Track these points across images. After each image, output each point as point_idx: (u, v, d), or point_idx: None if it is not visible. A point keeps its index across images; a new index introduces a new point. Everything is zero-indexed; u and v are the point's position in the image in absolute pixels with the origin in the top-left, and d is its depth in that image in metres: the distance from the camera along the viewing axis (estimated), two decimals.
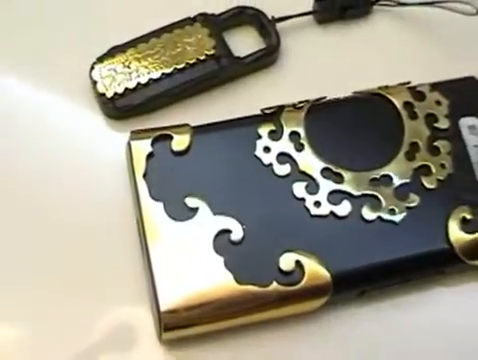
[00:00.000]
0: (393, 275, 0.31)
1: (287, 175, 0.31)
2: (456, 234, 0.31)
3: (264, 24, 0.36)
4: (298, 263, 0.30)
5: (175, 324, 0.29)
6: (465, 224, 0.31)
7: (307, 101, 0.33)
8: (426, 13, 0.37)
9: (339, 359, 0.31)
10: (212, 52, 0.34)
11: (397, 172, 0.32)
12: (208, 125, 0.32)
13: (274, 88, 0.35)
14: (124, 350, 0.30)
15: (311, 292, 0.30)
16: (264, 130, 0.32)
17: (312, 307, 0.30)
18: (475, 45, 0.37)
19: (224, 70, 0.34)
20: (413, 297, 0.32)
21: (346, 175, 0.32)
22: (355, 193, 0.31)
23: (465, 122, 0.34)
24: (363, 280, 0.30)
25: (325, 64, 0.36)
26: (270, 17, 0.36)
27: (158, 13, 0.36)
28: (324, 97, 0.34)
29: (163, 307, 0.29)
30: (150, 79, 0.33)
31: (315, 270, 0.30)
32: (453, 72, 0.35)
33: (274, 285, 0.29)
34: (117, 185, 0.33)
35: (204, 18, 0.35)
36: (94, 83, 0.34)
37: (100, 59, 0.34)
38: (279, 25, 0.36)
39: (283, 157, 0.32)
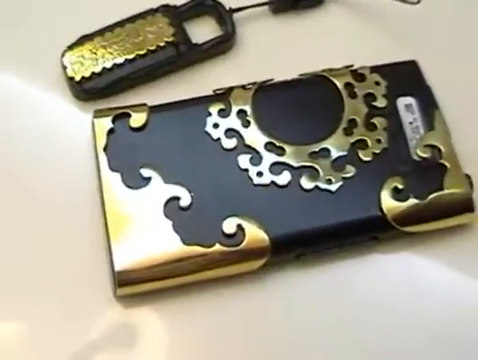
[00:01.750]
0: (329, 240, 0.34)
1: (233, 148, 0.35)
2: (388, 202, 0.34)
3: (222, 14, 0.39)
4: (239, 227, 0.33)
5: (127, 281, 0.32)
6: (397, 193, 0.34)
7: (255, 83, 0.36)
8: (375, 3, 0.41)
9: (278, 316, 0.33)
10: (171, 39, 0.37)
11: (335, 146, 0.35)
12: (164, 104, 0.36)
13: (229, 73, 0.38)
14: (83, 306, 0.33)
15: (251, 253, 0.33)
16: (214, 108, 0.35)
17: (252, 267, 0.33)
18: (418, 32, 0.40)
19: (182, 56, 0.37)
20: (349, 262, 0.34)
21: (288, 148, 0.35)
22: (295, 165, 0.34)
23: (402, 101, 0.36)
24: (300, 243, 0.33)
25: (278, 51, 0.39)
26: (228, 8, 0.39)
27: (125, 5, 0.39)
28: (272, 79, 0.37)
29: (117, 266, 0.32)
30: (114, 64, 0.37)
31: (255, 233, 0.33)
32: (398, 57, 0.38)
33: (217, 246, 0.33)
34: (84, 159, 0.36)
35: (166, 9, 0.38)
36: (64, 68, 0.37)
37: (70, 47, 0.37)
38: (236, 15, 0.39)
39: (230, 132, 0.35)
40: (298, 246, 0.33)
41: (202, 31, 0.39)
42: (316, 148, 0.35)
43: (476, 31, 0.40)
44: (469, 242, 0.35)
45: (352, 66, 0.37)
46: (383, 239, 0.34)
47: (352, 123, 0.36)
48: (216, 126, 0.35)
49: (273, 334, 0.33)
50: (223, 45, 0.38)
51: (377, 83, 0.36)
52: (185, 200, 0.33)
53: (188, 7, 0.39)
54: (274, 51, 0.39)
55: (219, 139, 0.35)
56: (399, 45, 0.40)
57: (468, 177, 0.35)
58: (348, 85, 0.36)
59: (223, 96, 0.36)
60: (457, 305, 0.34)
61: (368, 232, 0.34)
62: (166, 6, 0.38)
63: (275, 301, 0.34)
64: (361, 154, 0.35)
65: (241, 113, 0.35)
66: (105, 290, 0.33)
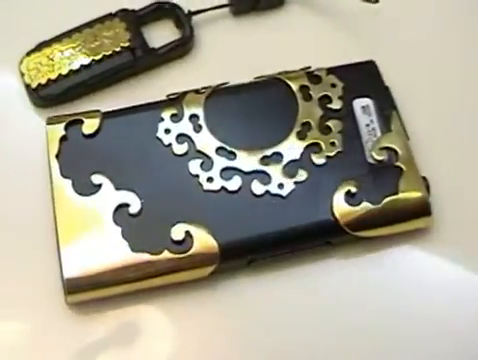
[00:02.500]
0: (280, 245, 0.33)
1: (185, 154, 0.34)
2: (341, 207, 0.33)
3: (180, 17, 0.39)
4: (188, 233, 0.33)
5: (77, 288, 0.32)
6: (350, 197, 0.33)
7: (209, 87, 0.36)
8: (336, 3, 0.40)
9: (229, 323, 0.33)
10: (127, 44, 0.37)
11: (288, 150, 0.34)
12: (116, 110, 0.35)
13: (187, 77, 0.38)
14: (34, 313, 0.33)
15: (199, 260, 0.32)
16: (166, 114, 0.35)
17: (201, 274, 0.33)
18: (380, 32, 0.39)
19: (139, 61, 0.37)
20: (302, 267, 0.34)
21: (239, 153, 0.34)
22: (246, 169, 0.34)
23: (359, 103, 0.36)
24: (250, 250, 0.33)
25: (238, 54, 0.39)
26: (186, 11, 0.39)
27: (86, 9, 0.39)
28: (226, 82, 0.36)
29: (66, 273, 0.32)
30: (70, 70, 0.37)
31: (204, 240, 0.32)
32: (359, 58, 0.38)
33: (165, 253, 0.32)
34: (39, 166, 0.36)
35: (124, 13, 0.38)
36: (22, 75, 0.37)
37: (28, 53, 0.37)
38: (196, 18, 0.39)
39: (182, 137, 0.35)
40: (248, 252, 0.33)
41: (161, 35, 0.39)
42: (268, 152, 0.34)
43: (437, 31, 0.40)
44: (426, 246, 0.35)
45: (309, 68, 0.37)
46: (337, 244, 0.34)
47: (306, 126, 0.35)
48: (168, 131, 0.35)
49: (224, 341, 0.33)
50: (181, 49, 0.38)
51: (333, 85, 0.36)
52: (135, 207, 0.33)
53: (147, 11, 0.39)
54: (234, 54, 0.39)
55: (170, 145, 0.34)
56: (360, 45, 0.39)
57: (425, 180, 0.34)
58: (303, 87, 0.36)
59: (176, 101, 0.35)
60: (411, 310, 0.33)
61: (320, 237, 0.33)
62: (124, 10, 0.38)
63: (226, 308, 0.33)
64: (314, 158, 0.34)
65: (193, 118, 0.35)
66: (58, 297, 0.33)
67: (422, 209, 0.34)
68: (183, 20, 0.38)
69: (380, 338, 0.33)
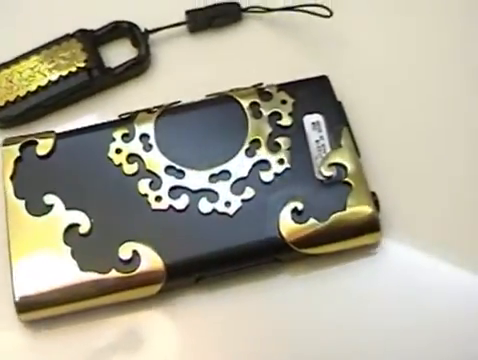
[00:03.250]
0: (227, 263, 0.33)
1: (134, 173, 0.35)
2: (287, 224, 0.33)
3: (136, 36, 0.39)
4: (135, 252, 0.33)
5: (28, 307, 0.33)
6: (297, 214, 0.34)
7: (161, 106, 0.36)
8: (291, 17, 0.40)
9: (178, 340, 0.33)
10: (83, 65, 0.38)
11: (236, 167, 0.35)
12: (70, 131, 0.36)
13: (144, 95, 0.38)
14: None
15: (146, 279, 0.33)
16: (118, 134, 0.35)
17: (149, 293, 0.33)
18: (335, 46, 0.39)
19: (95, 81, 0.38)
20: (250, 284, 0.34)
21: (188, 171, 0.35)
22: (194, 188, 0.34)
23: (309, 119, 0.36)
24: (197, 268, 0.33)
25: (195, 71, 0.39)
26: (143, 29, 0.40)
27: (44, 31, 0.39)
28: (178, 101, 0.37)
29: (17, 292, 0.33)
30: (28, 92, 0.37)
31: (150, 259, 0.33)
32: (315, 71, 0.38)
33: (113, 272, 0.33)
34: None
35: (81, 34, 0.39)
36: None
37: None
38: (154, 36, 0.40)
39: (132, 157, 0.35)
40: (195, 270, 0.33)
41: (119, 54, 0.39)
42: (217, 170, 0.35)
43: (391, 46, 0.39)
44: (375, 262, 0.34)
45: (261, 84, 0.37)
46: (285, 261, 0.34)
47: (255, 144, 0.35)
48: (119, 151, 0.35)
49: (173, 358, 0.33)
50: (137, 68, 0.38)
51: (284, 101, 0.36)
52: (85, 227, 0.34)
53: (105, 31, 0.39)
54: (190, 71, 0.39)
55: (121, 164, 0.35)
56: (316, 60, 0.39)
57: (374, 195, 0.34)
58: (254, 105, 0.36)
59: (128, 121, 0.36)
60: (361, 326, 0.33)
61: (267, 255, 0.34)
62: (82, 31, 0.39)
63: (175, 324, 0.34)
64: (262, 175, 0.34)
65: (144, 137, 0.35)
66: (13, 314, 0.34)
67: (370, 225, 0.34)
68: (139, 39, 0.39)
69: (330, 354, 0.33)
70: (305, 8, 0.39)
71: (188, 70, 0.39)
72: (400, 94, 0.38)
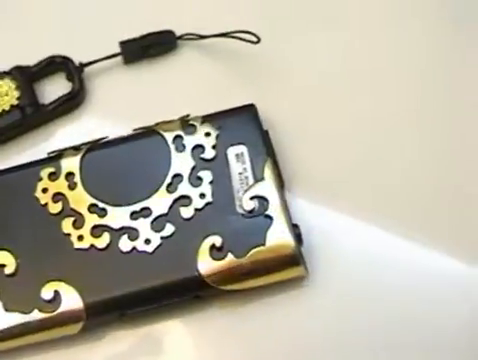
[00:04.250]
0: (147, 301, 0.33)
1: (59, 212, 0.35)
2: (205, 261, 0.33)
3: (71, 70, 0.39)
4: (57, 292, 0.33)
5: None
6: (215, 251, 0.33)
7: (88, 143, 0.36)
8: (226, 44, 0.39)
9: None
10: (16, 102, 0.38)
11: (157, 204, 0.34)
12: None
13: (77, 131, 0.38)
14: None
15: (67, 318, 0.33)
16: (45, 172, 0.36)
17: (71, 331, 0.33)
18: (269, 72, 0.39)
19: (28, 118, 0.38)
20: (174, 320, 0.34)
21: (110, 209, 0.35)
22: (115, 226, 0.34)
23: (233, 151, 0.35)
24: (118, 306, 0.33)
25: (129, 104, 0.39)
26: (78, 63, 0.40)
27: None
28: (106, 137, 0.37)
29: None
30: None
31: (71, 298, 0.33)
32: (248, 99, 0.37)
33: (35, 312, 0.33)
34: None
35: (17, 71, 0.39)
36: None
37: None
38: (89, 69, 0.40)
39: (58, 196, 0.35)
40: (115, 309, 0.33)
41: (55, 90, 0.39)
42: (138, 207, 0.35)
43: (325, 75, 0.38)
44: (301, 295, 0.34)
45: (188, 116, 0.37)
46: (207, 297, 0.34)
47: (177, 179, 0.35)
48: (45, 191, 0.35)
49: None
50: (71, 103, 0.38)
51: (207, 134, 0.36)
52: (10, 267, 0.34)
53: (41, 66, 0.39)
54: (125, 104, 0.39)
55: (46, 204, 0.35)
56: (250, 86, 0.39)
57: (296, 228, 0.34)
58: (178, 138, 0.36)
59: (55, 159, 0.36)
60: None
61: (188, 292, 0.33)
62: (18, 68, 0.39)
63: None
64: (182, 211, 0.34)
65: (69, 175, 0.35)
66: None
67: (291, 259, 0.33)
68: (73, 73, 0.39)
69: None
70: (236, 34, 0.39)
71: (123, 103, 0.39)
72: (330, 121, 0.37)
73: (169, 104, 0.39)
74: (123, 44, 0.40)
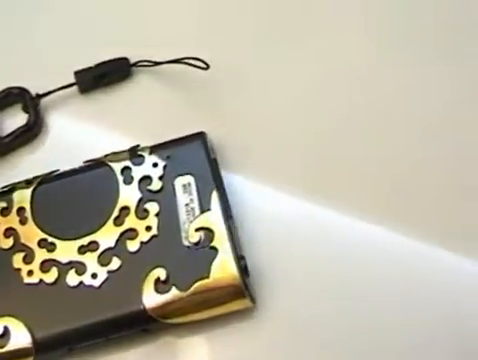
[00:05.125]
0: (95, 335, 0.33)
1: (10, 248, 0.35)
2: (150, 295, 0.33)
3: (27, 101, 0.39)
4: (6, 328, 0.34)
5: None
6: (160, 284, 0.33)
7: (39, 176, 0.37)
8: (181, 70, 0.39)
9: None
10: None
11: (104, 238, 0.34)
12: None
13: (34, 164, 0.38)
14: None
15: (16, 354, 0.33)
16: None
17: None
18: (220, 96, 0.38)
19: None
20: (122, 353, 0.34)
21: (59, 244, 0.35)
22: (63, 261, 0.34)
23: (180, 181, 0.35)
24: (65, 341, 0.33)
25: (85, 134, 0.39)
26: (34, 94, 0.40)
27: None
28: (57, 170, 0.37)
29: None
30: None
31: (20, 334, 0.33)
32: (202, 125, 0.37)
33: None
34: None
35: None
36: None
37: None
38: (46, 100, 0.40)
39: (9, 231, 0.36)
40: (63, 344, 0.33)
41: (13, 122, 0.40)
42: (85, 242, 0.35)
43: (282, 101, 0.38)
44: (249, 327, 0.33)
45: (138, 146, 0.36)
46: (154, 330, 0.34)
47: (124, 211, 0.35)
48: None
49: None
50: (27, 135, 0.39)
51: (155, 164, 0.35)
52: None
53: None
54: (81, 135, 0.39)
55: None
56: (206, 112, 0.38)
57: (243, 259, 0.33)
58: (126, 169, 0.36)
59: (7, 194, 0.36)
60: None
61: (134, 326, 0.33)
62: None
63: None
64: (129, 244, 0.34)
65: (21, 210, 0.36)
66: None
67: (235, 291, 0.33)
68: (29, 104, 0.39)
69: None
70: (188, 61, 0.38)
71: (79, 133, 0.39)
72: (285, 151, 0.37)
73: (124, 133, 0.38)
74: (78, 74, 0.40)
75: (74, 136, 0.39)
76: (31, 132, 0.39)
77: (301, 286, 0.34)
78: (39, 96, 0.40)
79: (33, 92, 0.40)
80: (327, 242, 0.34)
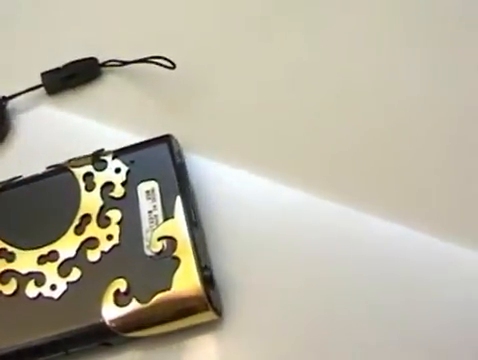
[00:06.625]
0: (54, 349, 0.32)
1: None
2: (109, 308, 0.31)
3: None
4: None
5: None
6: (118, 297, 0.31)
7: (1, 182, 0.35)
8: (149, 69, 0.37)
9: None
10: None
11: (64, 247, 0.33)
12: None
13: (1, 168, 0.37)
14: None
15: None
16: None
17: None
18: (188, 96, 0.37)
19: None
20: None
21: (18, 254, 0.33)
22: (23, 271, 0.33)
23: (143, 187, 0.33)
24: (24, 355, 0.32)
25: (52, 137, 0.38)
26: (0, 97, 0.39)
27: None
28: (20, 176, 0.35)
29: None
30: None
31: None
32: (171, 126, 0.35)
33: None
34: None
35: None
36: None
37: None
38: (13, 102, 0.39)
39: None
40: (22, 357, 0.32)
41: None
42: (45, 251, 0.33)
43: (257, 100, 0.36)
44: (217, 339, 0.32)
45: (101, 151, 0.35)
46: (116, 344, 0.32)
47: (85, 219, 0.33)
48: None
49: None
50: None
51: (117, 170, 0.34)
52: None
53: None
54: (48, 138, 0.38)
55: None
56: (175, 113, 0.37)
57: (207, 269, 0.32)
58: (88, 175, 0.34)
59: None
60: None
61: (93, 340, 0.32)
62: None
63: None
64: (89, 254, 0.33)
65: None
66: None
67: (198, 304, 0.31)
68: None
69: None
70: (155, 60, 0.36)
71: (46, 136, 0.38)
72: (253, 145, 0.35)
73: (92, 136, 0.37)
74: (45, 75, 0.39)
75: (41, 140, 0.38)
76: None
77: (272, 297, 0.32)
78: (5, 98, 0.39)
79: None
80: (303, 250, 0.33)
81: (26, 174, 0.35)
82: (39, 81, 0.38)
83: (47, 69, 0.38)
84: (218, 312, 0.32)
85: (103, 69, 0.38)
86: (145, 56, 0.37)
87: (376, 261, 0.32)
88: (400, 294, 0.31)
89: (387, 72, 0.36)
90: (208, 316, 0.31)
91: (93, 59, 0.38)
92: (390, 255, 0.32)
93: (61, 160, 0.35)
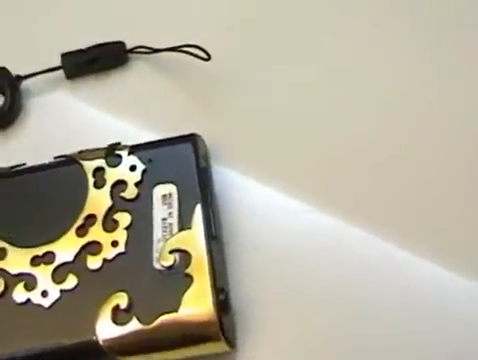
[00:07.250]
0: None
1: None
2: (105, 325, 0.27)
3: (4, 83, 0.34)
4: None
5: None
6: (117, 314, 0.27)
7: (2, 168, 0.31)
8: (179, 58, 0.33)
9: None
10: None
11: (62, 249, 0.29)
12: None
13: (5, 153, 0.33)
14: None
15: None
16: None
17: None
18: (218, 92, 0.33)
19: None
20: None
21: (10, 251, 0.29)
22: (13, 271, 0.29)
23: (159, 190, 0.29)
24: None
25: (69, 123, 0.34)
26: (14, 75, 0.35)
27: None
28: (24, 164, 0.31)
29: None
30: None
31: None
32: (200, 123, 0.31)
33: None
34: None
35: None
36: None
37: None
38: (27, 83, 0.35)
39: None
40: None
41: None
42: (40, 252, 0.29)
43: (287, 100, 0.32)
44: None
45: (118, 145, 0.31)
46: None
47: (90, 220, 0.29)
48: None
49: None
50: (6, 118, 0.34)
51: (133, 167, 0.30)
52: None
53: None
54: (64, 124, 0.34)
55: None
56: (203, 109, 0.33)
57: (222, 292, 0.27)
58: (98, 171, 0.30)
59: None
60: None
61: (83, 359, 0.28)
62: None
63: None
64: (89, 260, 0.28)
65: None
66: None
67: (208, 331, 0.26)
68: (6, 86, 0.34)
69: None
70: (187, 49, 0.33)
71: (59, 124, 0.34)
72: (281, 167, 0.31)
73: (110, 128, 0.33)
74: (65, 56, 0.35)
75: (53, 127, 0.34)
76: (5, 118, 0.34)
77: (291, 327, 0.27)
78: (20, 78, 0.35)
79: (14, 73, 0.35)
80: (325, 273, 0.28)
81: (31, 162, 0.32)
82: (58, 62, 0.34)
83: (68, 50, 0.35)
84: (231, 343, 0.27)
85: (130, 55, 0.34)
86: (178, 44, 0.33)
87: (395, 288, 0.28)
88: (418, 321, 0.28)
89: None
90: (219, 347, 0.27)
91: (120, 43, 0.34)
92: (410, 283, 0.28)
93: (72, 151, 0.32)
